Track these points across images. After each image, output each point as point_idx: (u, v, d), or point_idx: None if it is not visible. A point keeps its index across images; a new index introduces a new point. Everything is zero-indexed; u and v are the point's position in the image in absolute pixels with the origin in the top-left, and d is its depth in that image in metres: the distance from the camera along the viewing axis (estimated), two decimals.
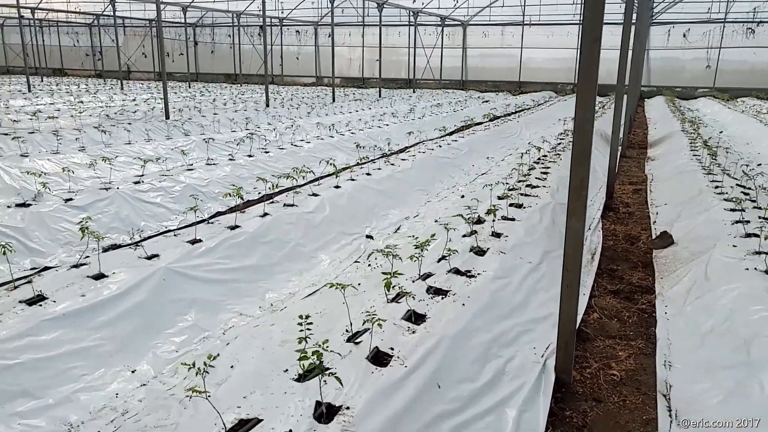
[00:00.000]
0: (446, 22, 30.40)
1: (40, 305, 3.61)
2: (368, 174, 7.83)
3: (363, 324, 3.43)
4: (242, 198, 5.89)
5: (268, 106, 16.86)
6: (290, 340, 3.85)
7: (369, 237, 6.33)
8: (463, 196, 8.14)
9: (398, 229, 6.66)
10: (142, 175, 7.37)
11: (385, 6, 22.51)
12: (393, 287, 3.46)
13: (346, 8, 29.80)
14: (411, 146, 11.53)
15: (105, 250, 5.86)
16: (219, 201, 7.28)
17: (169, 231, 5.81)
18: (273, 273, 5.08)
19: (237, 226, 5.32)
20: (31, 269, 5.18)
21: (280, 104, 18.07)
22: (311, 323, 2.73)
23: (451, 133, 13.87)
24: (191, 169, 7.85)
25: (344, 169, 8.13)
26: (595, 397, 3.25)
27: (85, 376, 3.39)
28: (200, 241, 4.90)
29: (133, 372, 3.55)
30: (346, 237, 6.16)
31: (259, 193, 7.63)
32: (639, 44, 10.66)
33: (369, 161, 9.02)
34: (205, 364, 2.38)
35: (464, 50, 31.18)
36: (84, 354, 3.50)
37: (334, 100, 19.84)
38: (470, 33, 30.84)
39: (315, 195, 6.58)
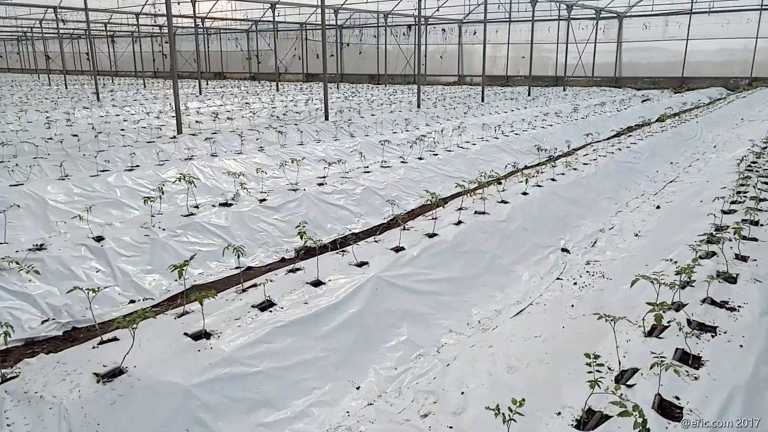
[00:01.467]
0: (601, 15, 28.43)
1: (270, 311, 3.60)
2: (553, 179, 7.28)
3: (624, 360, 2.98)
4: (439, 201, 5.68)
5: (419, 106, 16.77)
6: (518, 367, 3.51)
7: (564, 250, 5.81)
8: (658, 207, 7.31)
9: (595, 242, 6.06)
10: (324, 177, 7.47)
11: (538, 0, 21.51)
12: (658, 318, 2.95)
13: (492, 4, 28.95)
14: (579, 148, 10.73)
15: (297, 251, 5.96)
16: (395, 204, 7.17)
17: (369, 236, 5.75)
18: (475, 286, 4.77)
19: (435, 234, 5.09)
20: (236, 268, 5.36)
21: (433, 104, 17.91)
22: (601, 365, 2.34)
23: (619, 135, 12.77)
24: (368, 172, 7.83)
25: (524, 168, 7.63)
26: None
27: (315, 389, 3.30)
28: (403, 249, 4.72)
29: (358, 388, 3.41)
30: (541, 249, 5.70)
31: (432, 196, 7.40)
32: None
33: (543, 163, 8.44)
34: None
35: (619, 44, 29.00)
36: (312, 365, 3.42)
37: (483, 100, 19.31)
38: (626, 25, 28.61)
39: (504, 202, 6.20)
